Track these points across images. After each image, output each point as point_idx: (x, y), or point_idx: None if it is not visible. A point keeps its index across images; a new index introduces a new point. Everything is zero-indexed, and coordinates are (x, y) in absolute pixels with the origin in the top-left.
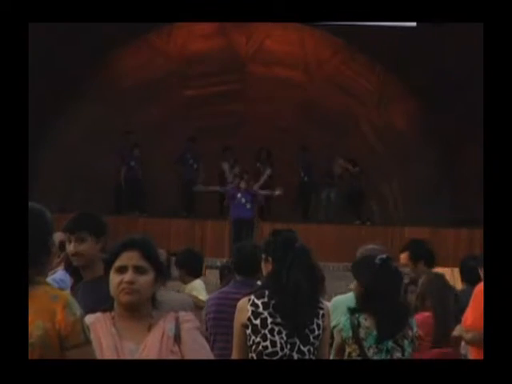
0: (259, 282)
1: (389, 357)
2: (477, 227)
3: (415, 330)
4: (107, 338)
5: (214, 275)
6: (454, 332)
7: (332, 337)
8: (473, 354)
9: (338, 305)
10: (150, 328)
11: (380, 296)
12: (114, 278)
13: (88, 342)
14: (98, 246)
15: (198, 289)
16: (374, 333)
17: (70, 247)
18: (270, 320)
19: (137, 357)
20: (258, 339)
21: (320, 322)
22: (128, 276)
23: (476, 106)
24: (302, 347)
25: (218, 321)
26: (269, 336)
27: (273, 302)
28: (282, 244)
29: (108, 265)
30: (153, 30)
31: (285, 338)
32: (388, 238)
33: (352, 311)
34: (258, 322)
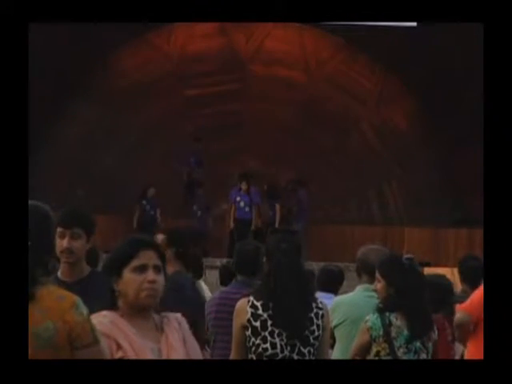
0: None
1: (416, 357)
2: (477, 227)
3: (437, 333)
4: (134, 338)
5: (214, 275)
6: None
7: (332, 337)
8: (470, 349)
9: (339, 305)
10: (157, 327)
11: (411, 296)
12: (134, 278)
13: (97, 341)
14: (88, 246)
15: (204, 290)
16: (405, 332)
17: (63, 243)
18: (270, 322)
19: (163, 357)
20: (258, 341)
21: (320, 322)
22: (151, 275)
23: (476, 105)
24: (302, 349)
25: (218, 321)
26: (269, 338)
27: (271, 303)
28: (271, 245)
29: (122, 264)
30: (153, 30)
31: (285, 340)
32: (388, 238)
33: (381, 310)
34: (257, 323)
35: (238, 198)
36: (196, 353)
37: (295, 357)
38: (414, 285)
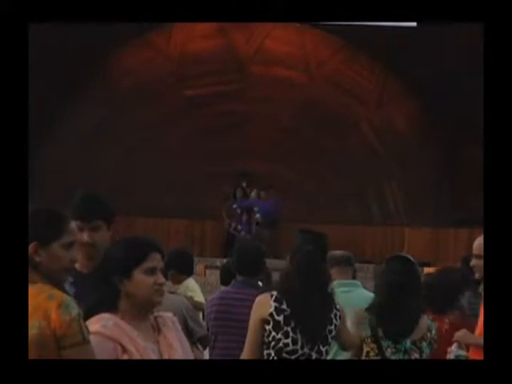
0: (260, 283)
1: (407, 357)
2: (477, 227)
3: (434, 332)
4: (138, 340)
5: (214, 275)
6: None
7: None
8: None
9: None
10: (153, 328)
11: (394, 296)
12: (146, 280)
13: (85, 341)
14: (109, 235)
15: (193, 289)
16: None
17: (83, 237)
18: (293, 318)
19: (164, 357)
20: (279, 336)
21: (337, 322)
22: (161, 278)
23: (476, 105)
24: (321, 347)
25: (219, 321)
26: (291, 334)
27: (292, 303)
28: (297, 245)
29: (132, 265)
30: (153, 30)
31: (306, 337)
32: (388, 238)
33: (370, 309)
34: (280, 318)
35: (235, 206)
36: (188, 353)
37: (314, 355)
38: (392, 283)
